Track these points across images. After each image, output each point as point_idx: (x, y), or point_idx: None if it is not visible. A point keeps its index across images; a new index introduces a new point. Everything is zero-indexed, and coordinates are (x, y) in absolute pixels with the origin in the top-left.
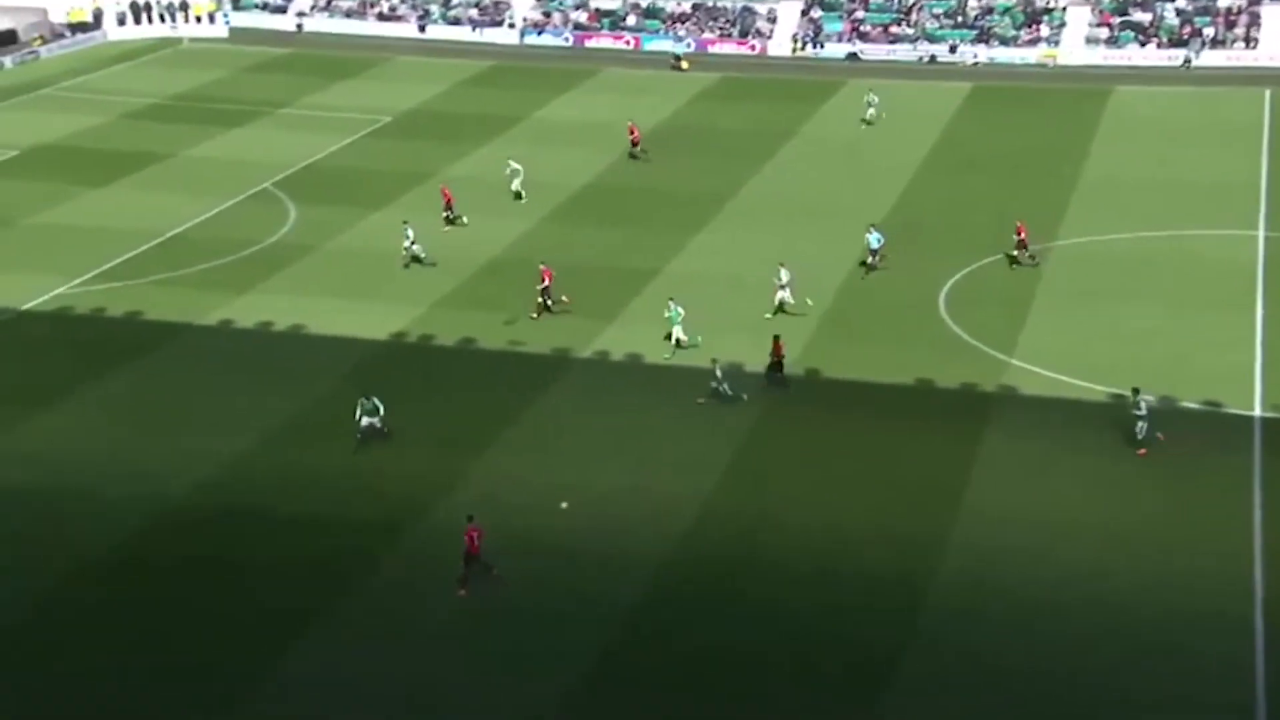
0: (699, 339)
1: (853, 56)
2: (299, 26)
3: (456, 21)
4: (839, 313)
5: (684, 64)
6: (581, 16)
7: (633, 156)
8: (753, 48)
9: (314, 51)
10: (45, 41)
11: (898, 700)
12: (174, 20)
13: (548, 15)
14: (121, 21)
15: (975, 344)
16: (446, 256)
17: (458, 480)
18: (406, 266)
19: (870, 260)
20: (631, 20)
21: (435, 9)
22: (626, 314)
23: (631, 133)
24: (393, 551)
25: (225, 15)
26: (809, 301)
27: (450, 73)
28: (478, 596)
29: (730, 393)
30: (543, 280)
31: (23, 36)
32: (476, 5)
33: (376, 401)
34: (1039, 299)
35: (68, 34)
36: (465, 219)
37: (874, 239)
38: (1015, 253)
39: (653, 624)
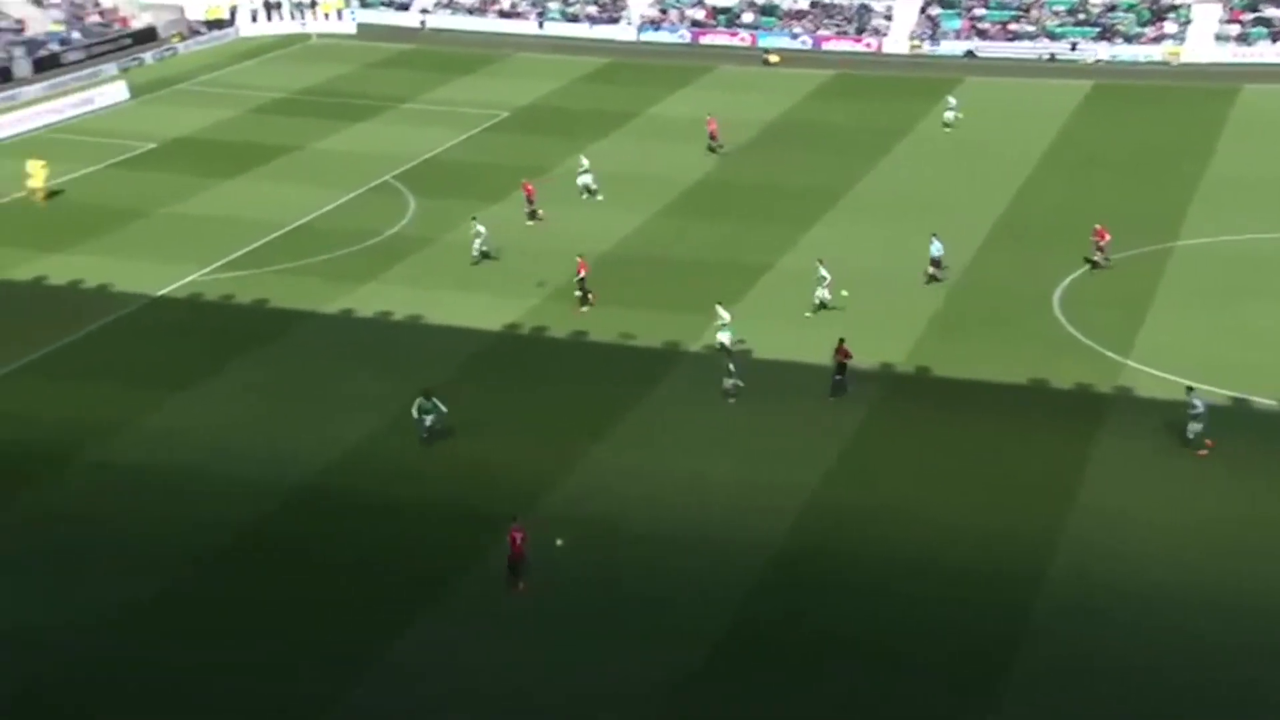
0: (844, 293)
1: (969, 54)
2: (422, 23)
3: (575, 18)
4: (951, 311)
5: (772, 58)
6: (698, 13)
7: (711, 150)
8: (869, 45)
9: (436, 48)
10: (183, 38)
11: (1011, 691)
12: (303, 17)
13: (664, 12)
14: (254, 19)
15: (1090, 344)
16: (560, 249)
17: (568, 471)
18: (476, 263)
19: (931, 270)
20: (748, 17)
21: (554, 6)
22: (738, 309)
23: (710, 126)
24: (503, 541)
25: (352, 12)
26: (844, 293)
27: (567, 69)
28: (596, 583)
29: (742, 384)
30: (579, 272)
31: (162, 34)
32: (595, 2)
33: (436, 401)
34: (1158, 299)
35: (203, 31)
36: (542, 213)
37: (936, 248)
38: (1095, 256)
39: (765, 612)
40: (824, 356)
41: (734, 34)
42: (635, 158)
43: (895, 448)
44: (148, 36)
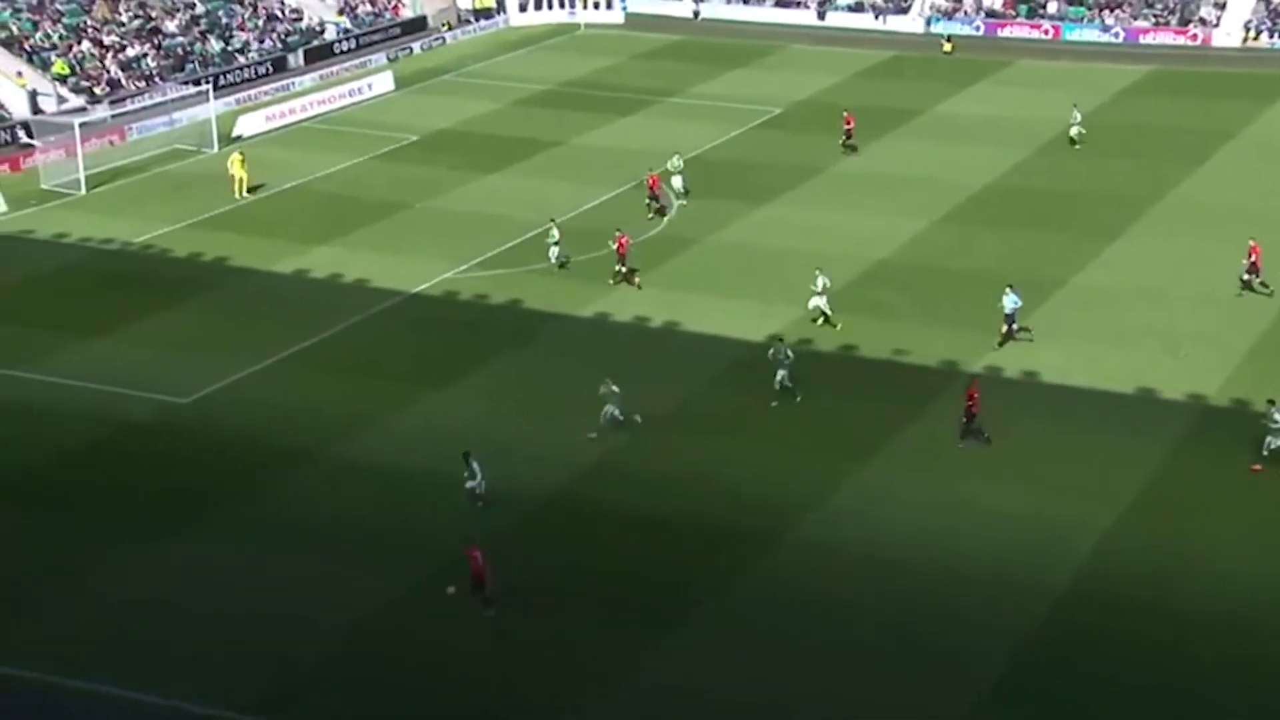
0: (838, 327)
1: None
2: (695, 13)
3: (859, 8)
4: (1276, 339)
5: (948, 46)
6: (996, 3)
7: (847, 147)
8: (1194, 37)
9: (708, 39)
10: (451, 27)
11: None
12: (572, 7)
13: (958, 1)
14: (523, 8)
15: None
16: (837, 254)
17: (828, 492)
18: (561, 267)
19: (1006, 329)
20: (1052, 7)
21: None
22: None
23: (847, 123)
24: (759, 559)
25: (623, 1)
26: (839, 327)
27: (848, 62)
28: (852, 611)
29: (621, 417)
30: (618, 249)
31: (432, 23)
32: None
33: (476, 466)
34: None
35: (472, 20)
36: (676, 205)
37: (1009, 301)
38: (1245, 276)
39: (1042, 659)
40: (1126, 382)
41: (1036, 26)
42: (917, 159)
43: (1206, 488)
44: (418, 26)
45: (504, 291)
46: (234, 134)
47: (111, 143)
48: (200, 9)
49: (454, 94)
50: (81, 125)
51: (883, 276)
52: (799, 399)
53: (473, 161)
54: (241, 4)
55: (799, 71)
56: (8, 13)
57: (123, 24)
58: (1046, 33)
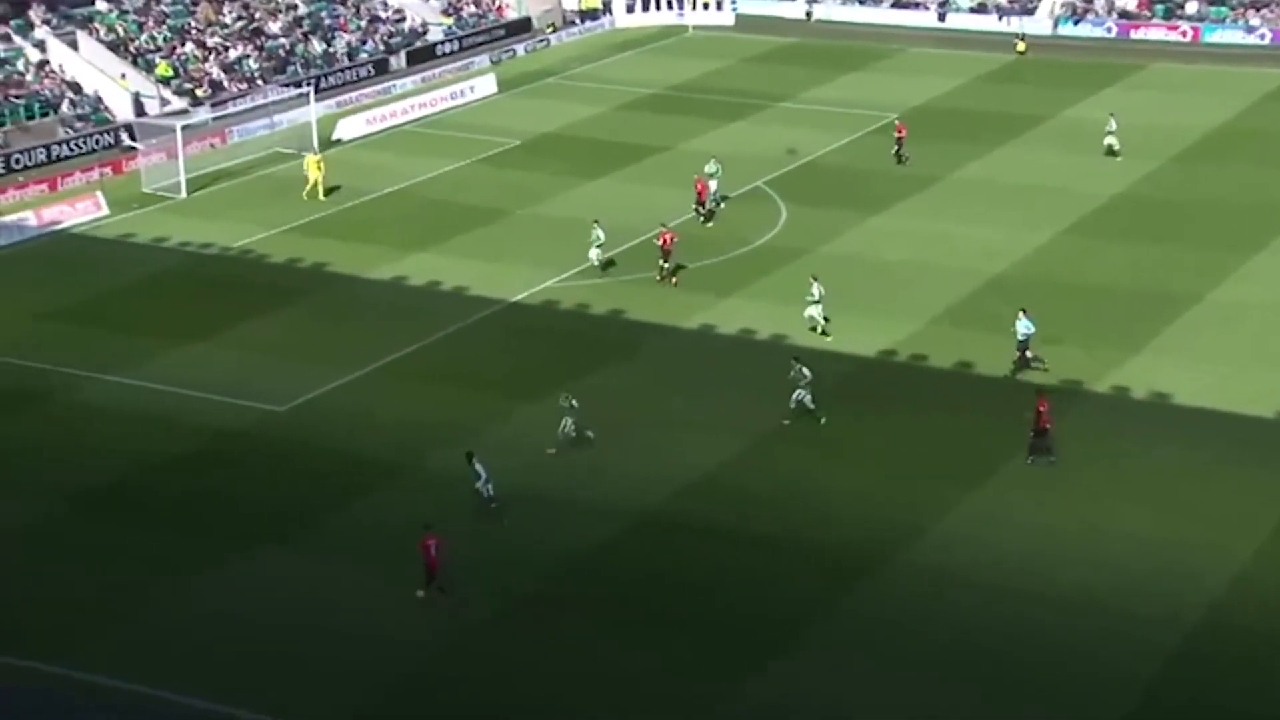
0: (827, 338)
1: None
2: (808, 14)
3: (983, 9)
4: None
5: (1020, 46)
6: (1130, 3)
7: (899, 158)
8: None
9: (821, 41)
10: (556, 29)
11: None
12: (681, 8)
13: (1089, 2)
14: (630, 9)
15: None
16: (955, 268)
17: (940, 513)
18: (604, 269)
19: (1019, 356)
20: (1191, 7)
21: None
22: (1155, 345)
23: (899, 131)
24: (864, 583)
25: (733, 2)
26: (828, 338)
27: (969, 66)
28: (964, 640)
29: (575, 434)
30: (663, 245)
31: (536, 24)
32: None
33: (479, 467)
34: None
35: (578, 21)
36: (719, 208)
37: (1022, 326)
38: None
39: (1176, 695)
40: (1266, 405)
41: (1173, 27)
42: (1042, 167)
43: None
44: (522, 27)
45: (606, 301)
46: (333, 137)
47: (212, 145)
48: (303, 10)
49: (558, 97)
50: (183, 128)
51: (1002, 290)
52: (823, 420)
53: (576, 167)
54: (344, 4)
55: (917, 75)
56: (114, 15)
57: (226, 25)
58: (1185, 34)
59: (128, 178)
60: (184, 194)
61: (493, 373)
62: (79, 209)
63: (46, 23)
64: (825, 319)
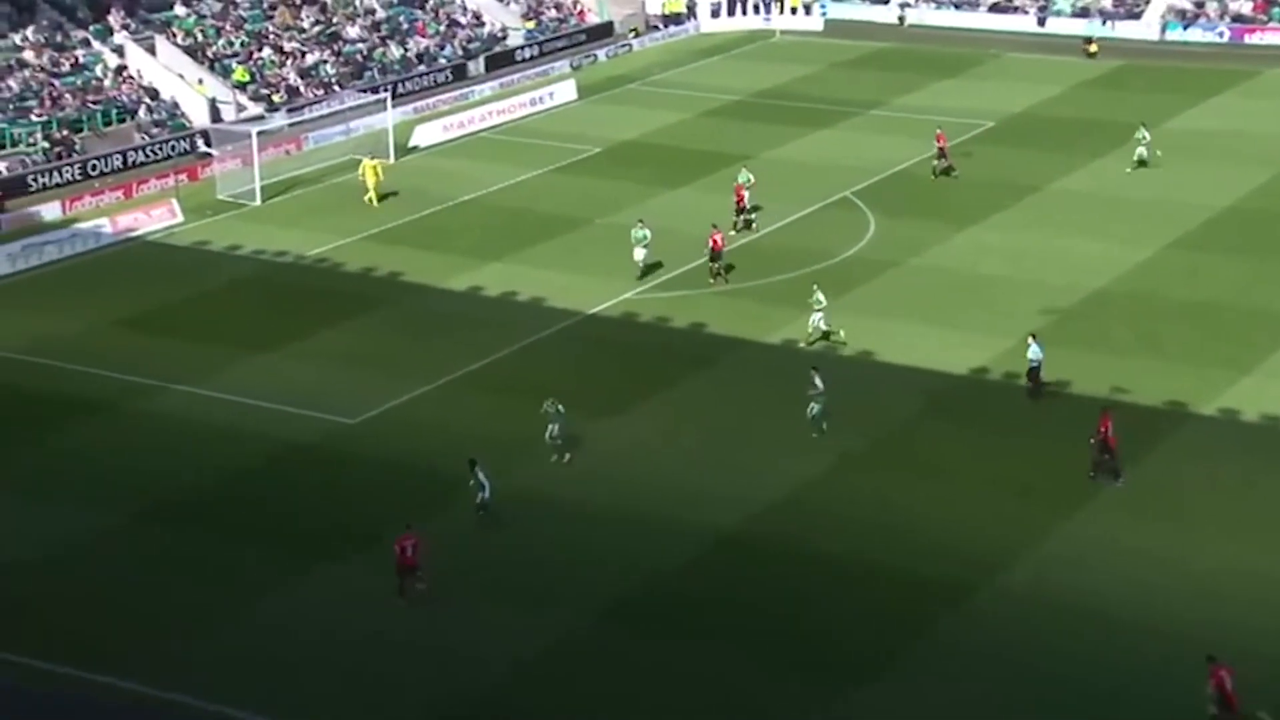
0: (841, 334)
1: None
2: (901, 19)
3: (1084, 13)
4: None
5: (1093, 48)
6: (1245, 7)
7: (940, 172)
8: None
9: (914, 46)
10: (639, 34)
11: None
12: (768, 12)
13: (1200, 5)
14: (715, 14)
15: None
16: (1050, 284)
17: (1041, 539)
18: (641, 275)
19: (1032, 381)
20: None
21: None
22: (1268, 365)
23: (939, 140)
24: (955, 610)
25: (822, 6)
26: (841, 334)
27: (1069, 72)
28: (1064, 670)
29: (559, 439)
30: (712, 247)
31: (619, 29)
32: None
33: (482, 476)
34: None
35: (661, 26)
36: (755, 219)
37: (1033, 352)
38: None
39: None
40: None
41: None
42: (1147, 179)
43: None
44: (603, 32)
45: (687, 314)
46: (410, 144)
47: (288, 152)
48: (381, 14)
49: (639, 103)
50: (259, 134)
51: (1103, 307)
52: (815, 436)
53: (657, 175)
54: (423, 9)
55: (1014, 81)
56: (192, 19)
57: (303, 30)
58: None
59: (203, 184)
60: (259, 201)
61: (570, 386)
62: (154, 216)
63: (125, 27)
64: (837, 330)
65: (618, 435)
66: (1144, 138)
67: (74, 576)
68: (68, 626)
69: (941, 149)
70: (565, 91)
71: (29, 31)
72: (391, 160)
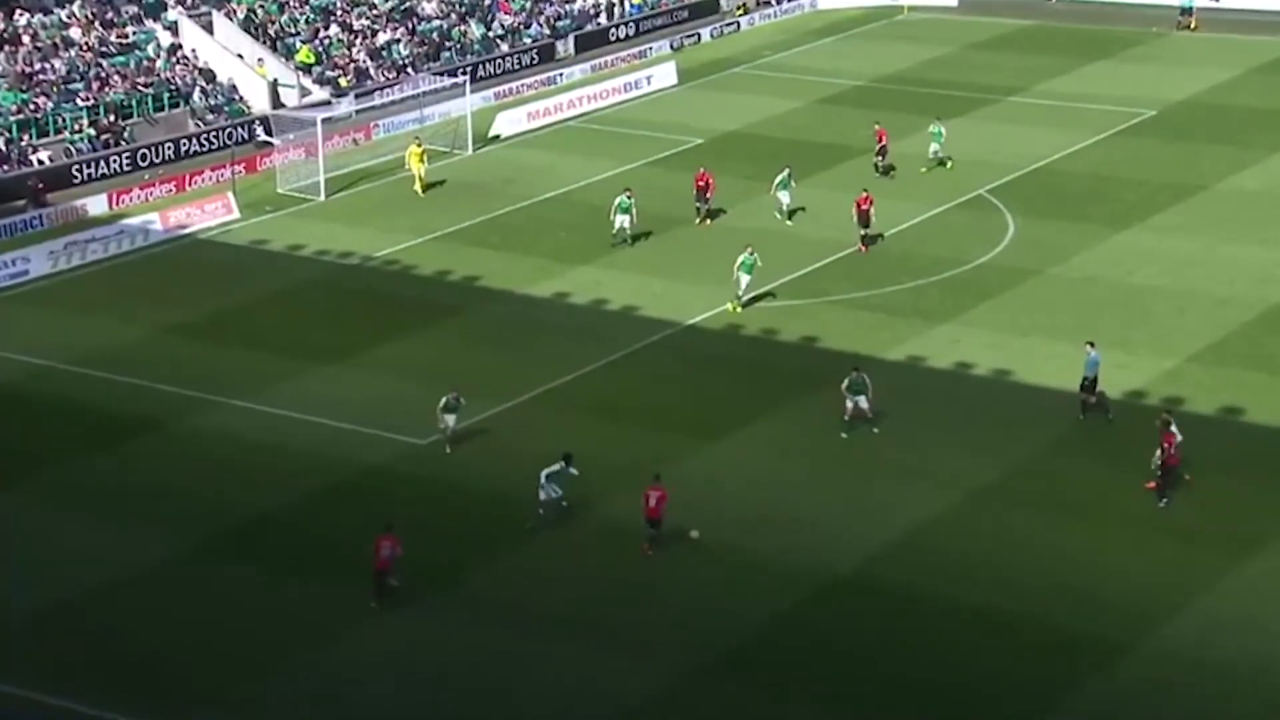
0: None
1: None
2: None
3: None
4: None
5: (1193, 23)
6: None
7: (879, 170)
8: None
9: (1064, 24)
10: (748, 10)
11: None
12: None
13: None
14: None
15: None
16: (1221, 294)
17: (1203, 592)
18: (627, 243)
19: (1086, 397)
20: None
21: None
22: None
23: (879, 139)
24: (1102, 671)
25: None
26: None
27: (1245, 53)
28: None
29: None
30: (700, 187)
31: (725, 5)
32: None
33: (567, 471)
34: None
35: (773, 2)
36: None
37: (1091, 360)
38: None
39: None
40: None
41: None
42: None
43: None
44: (708, 9)
45: (798, 326)
46: (490, 133)
47: (355, 141)
48: None
49: (748, 90)
50: (324, 121)
51: (1268, 324)
52: (844, 435)
53: (766, 170)
54: None
55: (1179, 65)
56: None
57: (375, 6)
58: None
59: (262, 177)
60: (323, 196)
61: (666, 406)
62: (208, 211)
63: (180, 2)
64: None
65: (719, 462)
66: (938, 129)
67: (131, 608)
68: (133, 663)
69: (881, 147)
70: (665, 75)
71: (75, 7)
72: (469, 152)
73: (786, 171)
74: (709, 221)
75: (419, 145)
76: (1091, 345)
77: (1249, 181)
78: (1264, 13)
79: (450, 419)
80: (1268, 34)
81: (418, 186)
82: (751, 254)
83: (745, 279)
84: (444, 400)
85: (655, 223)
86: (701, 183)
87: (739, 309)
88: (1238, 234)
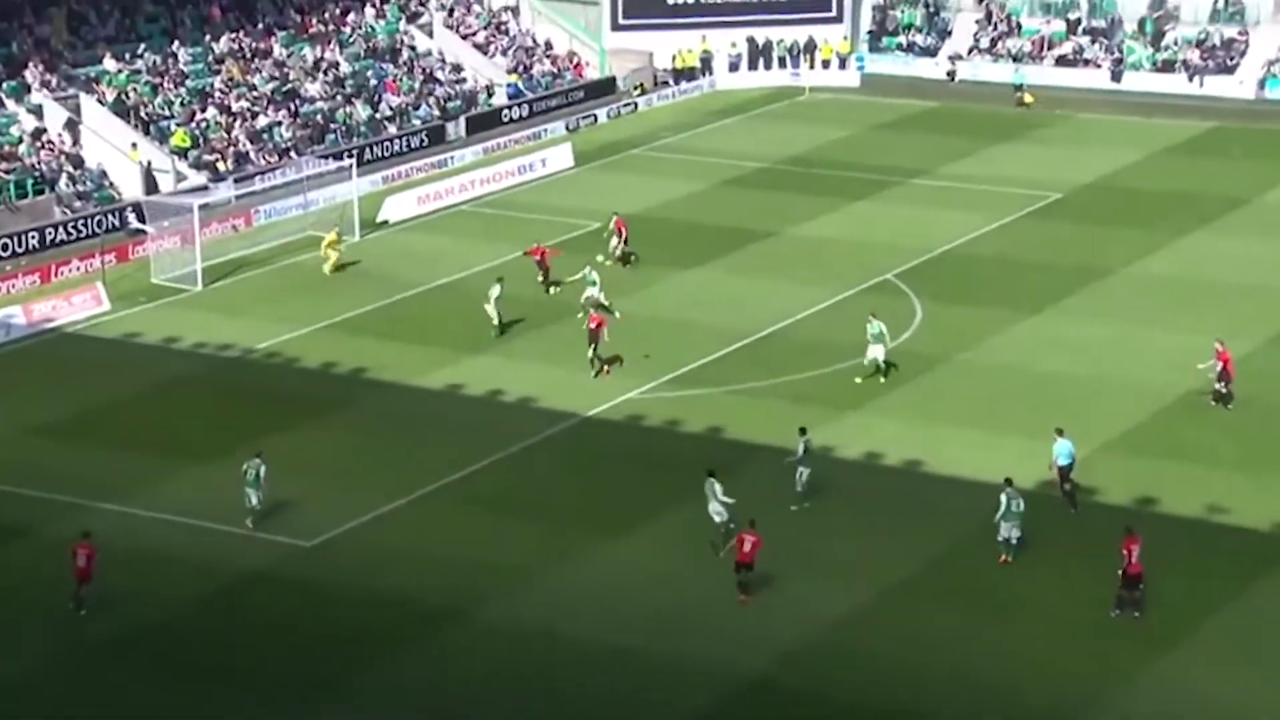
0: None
1: None
2: (951, 74)
3: (1169, 67)
4: None
5: (1027, 98)
6: None
7: (618, 259)
8: None
9: (966, 105)
10: (645, 91)
11: None
12: (796, 66)
13: None
14: (734, 68)
15: None
16: (1134, 380)
17: (1123, 687)
18: (497, 334)
19: (1064, 484)
20: None
21: (1139, 51)
22: None
23: (619, 230)
24: None
25: (859, 60)
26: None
27: (1150, 136)
28: None
29: (259, 505)
30: (617, 232)
31: (622, 86)
32: (1199, 44)
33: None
34: None
35: (671, 82)
36: (561, 282)
37: (1064, 450)
38: (1217, 385)
39: None
40: None
41: None
42: (1243, 261)
43: None
44: (604, 89)
45: (701, 417)
46: (378, 218)
47: (235, 228)
48: (345, 69)
49: (647, 172)
50: (201, 207)
51: (1195, 412)
52: (793, 507)
53: (666, 255)
54: (395, 63)
55: (1085, 147)
56: (124, 75)
57: (255, 87)
58: None
59: (135, 266)
60: (200, 285)
61: (568, 500)
62: (76, 303)
63: (45, 85)
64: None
65: (622, 559)
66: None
67: None
68: None
69: (624, 238)
70: (560, 158)
71: None
72: (356, 238)
73: (498, 286)
74: (555, 289)
75: (337, 231)
76: (1060, 432)
77: (1156, 266)
78: (1165, 95)
79: (251, 494)
80: (1169, 117)
81: (327, 267)
82: (876, 322)
83: (879, 350)
84: (243, 470)
85: (554, 311)
86: (538, 256)
87: (882, 378)
88: (1148, 319)
